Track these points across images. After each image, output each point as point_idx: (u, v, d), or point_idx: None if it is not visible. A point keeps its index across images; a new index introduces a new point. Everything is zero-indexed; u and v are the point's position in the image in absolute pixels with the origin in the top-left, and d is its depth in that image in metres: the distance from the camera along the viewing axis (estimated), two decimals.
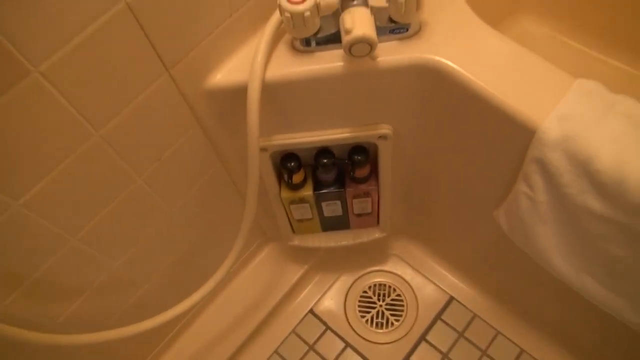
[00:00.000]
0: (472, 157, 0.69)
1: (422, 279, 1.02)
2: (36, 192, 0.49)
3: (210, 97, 0.61)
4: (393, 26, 0.59)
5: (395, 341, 0.97)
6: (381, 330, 0.98)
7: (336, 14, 0.59)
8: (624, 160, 0.49)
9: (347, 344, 0.97)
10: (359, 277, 1.04)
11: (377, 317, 1.00)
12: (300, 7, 0.54)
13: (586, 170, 0.51)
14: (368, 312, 1.01)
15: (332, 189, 0.78)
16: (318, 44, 0.60)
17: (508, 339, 0.94)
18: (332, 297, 1.02)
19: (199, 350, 0.93)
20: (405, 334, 0.97)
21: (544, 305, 0.87)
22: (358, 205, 0.82)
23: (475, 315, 0.97)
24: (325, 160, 0.73)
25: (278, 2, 0.55)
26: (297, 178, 0.75)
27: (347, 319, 1.00)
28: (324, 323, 1.00)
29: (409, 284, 1.02)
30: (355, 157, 0.73)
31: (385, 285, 1.03)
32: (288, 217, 0.85)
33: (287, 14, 0.54)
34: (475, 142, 0.66)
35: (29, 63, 0.41)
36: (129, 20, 0.46)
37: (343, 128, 0.68)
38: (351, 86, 0.62)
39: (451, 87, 0.60)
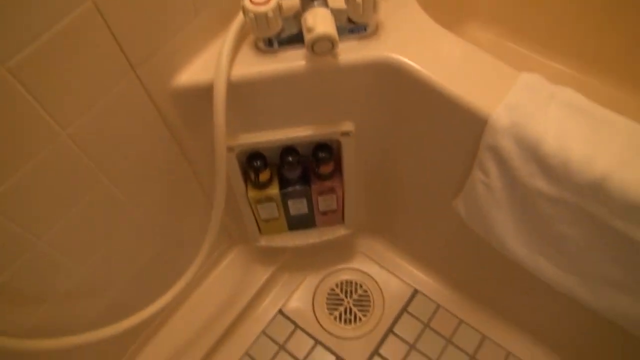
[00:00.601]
0: (430, 150, 0.73)
1: (387, 274, 1.05)
2: (1, 192, 0.49)
3: (176, 97, 0.62)
4: (352, 26, 0.62)
5: (363, 335, 0.99)
6: (350, 326, 1.01)
7: (297, 16, 0.61)
8: (567, 144, 0.54)
9: (317, 341, 0.99)
10: (325, 276, 1.06)
11: (345, 314, 1.02)
12: (263, 8, 0.56)
13: (534, 154, 0.56)
14: (336, 309, 1.03)
15: (297, 187, 0.80)
16: (281, 44, 0.62)
17: (471, 326, 0.98)
18: (300, 296, 1.04)
19: (168, 356, 0.92)
20: (373, 328, 1.00)
21: (504, 292, 0.91)
22: (323, 203, 0.85)
23: (439, 306, 1.01)
24: (290, 158, 0.75)
25: (242, 3, 0.57)
26: (263, 177, 0.76)
27: (316, 317, 1.02)
28: (293, 322, 1.01)
29: (374, 280, 1.05)
30: (320, 154, 0.75)
31: (351, 282, 1.05)
32: (255, 217, 0.87)
33: (251, 15, 0.56)
34: (433, 135, 0.70)
35: None
36: (96, 19, 0.47)
37: (307, 125, 0.71)
38: (313, 84, 0.64)
39: (408, 83, 0.63)
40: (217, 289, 1.00)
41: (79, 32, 0.46)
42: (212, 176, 0.67)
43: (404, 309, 1.01)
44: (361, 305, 1.03)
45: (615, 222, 0.54)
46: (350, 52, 0.62)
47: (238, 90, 0.62)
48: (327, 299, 1.04)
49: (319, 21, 0.56)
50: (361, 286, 1.05)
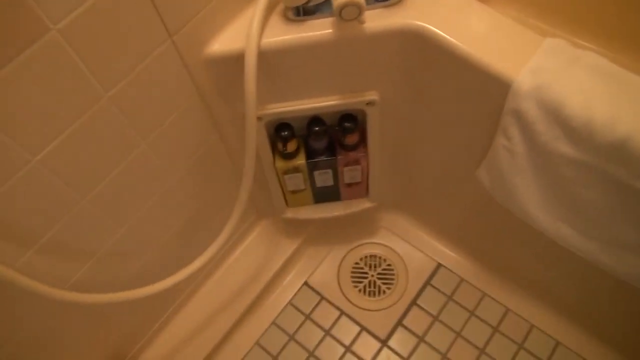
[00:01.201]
0: (454, 119, 0.74)
1: (411, 248, 1.07)
2: (51, 149, 0.52)
3: (209, 65, 0.65)
4: None
5: (388, 307, 1.01)
6: (374, 298, 1.03)
7: None
8: (590, 104, 0.55)
9: (342, 312, 1.02)
10: (350, 250, 1.09)
11: (369, 287, 1.04)
12: None
13: (557, 117, 0.57)
14: (360, 282, 1.05)
15: (324, 157, 0.82)
16: (309, 13, 0.64)
17: (494, 299, 0.99)
18: (325, 269, 1.07)
19: (199, 324, 0.96)
20: (397, 301, 1.02)
21: (527, 265, 0.92)
22: (348, 174, 0.87)
23: (462, 280, 1.02)
24: (317, 128, 0.77)
25: None
26: (291, 146, 0.79)
27: (341, 289, 1.04)
28: (319, 294, 1.04)
29: (398, 254, 1.07)
30: (345, 124, 0.77)
31: (375, 256, 1.08)
32: (282, 189, 0.89)
33: None
34: (456, 103, 0.71)
35: (48, 20, 0.44)
36: None
37: (333, 95, 0.73)
38: (340, 53, 0.66)
39: (433, 50, 0.65)
40: (245, 261, 1.03)
41: None
42: (241, 145, 0.69)
43: (428, 282, 1.03)
44: (385, 279, 1.05)
45: (636, 183, 0.55)
46: (377, 19, 0.63)
47: (267, 59, 0.64)
48: (352, 272, 1.06)
49: None
50: (385, 260, 1.07)
